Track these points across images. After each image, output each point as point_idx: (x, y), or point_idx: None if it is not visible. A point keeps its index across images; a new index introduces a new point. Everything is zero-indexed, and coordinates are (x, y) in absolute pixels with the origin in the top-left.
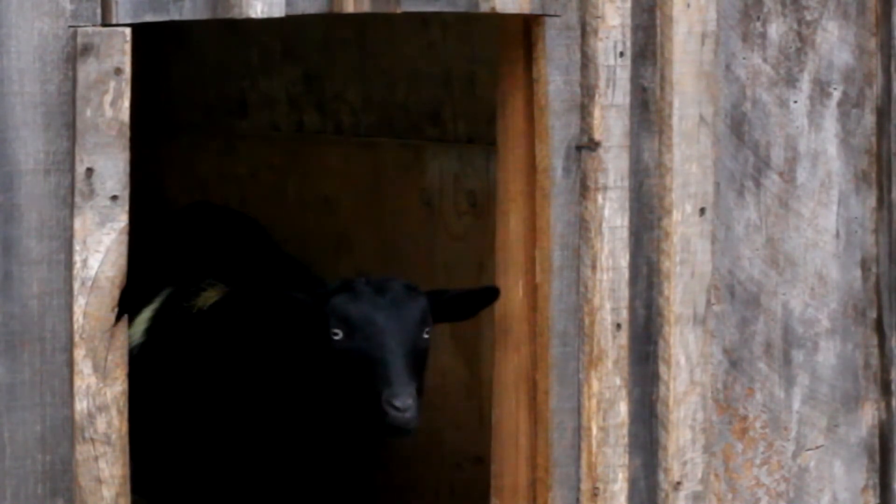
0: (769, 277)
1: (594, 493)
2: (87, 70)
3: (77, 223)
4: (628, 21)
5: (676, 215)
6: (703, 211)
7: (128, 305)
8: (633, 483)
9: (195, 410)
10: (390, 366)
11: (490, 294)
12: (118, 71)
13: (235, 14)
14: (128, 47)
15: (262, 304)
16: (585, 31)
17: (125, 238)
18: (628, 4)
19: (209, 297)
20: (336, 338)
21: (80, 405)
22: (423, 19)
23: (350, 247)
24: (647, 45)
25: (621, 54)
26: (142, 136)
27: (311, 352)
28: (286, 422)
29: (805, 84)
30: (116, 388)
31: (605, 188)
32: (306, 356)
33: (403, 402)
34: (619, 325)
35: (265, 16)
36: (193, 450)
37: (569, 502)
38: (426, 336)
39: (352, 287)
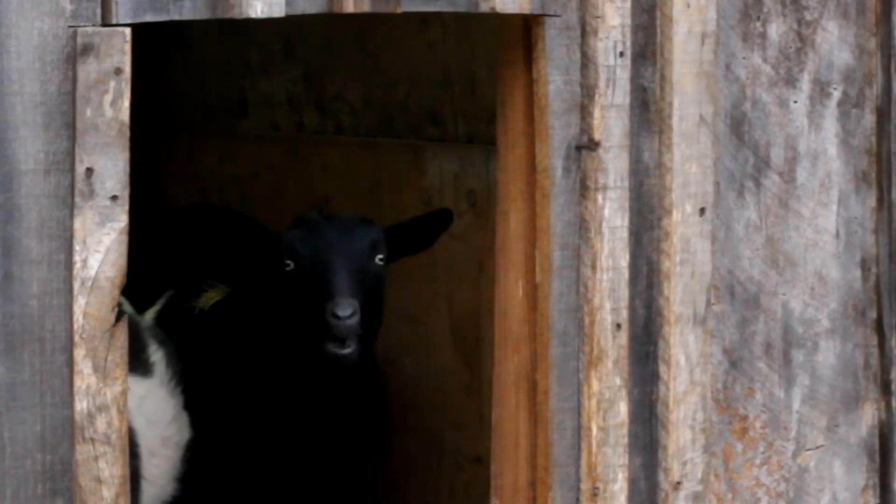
0: (769, 277)
1: (594, 493)
2: (87, 70)
3: (77, 223)
4: (628, 21)
5: (676, 215)
6: (703, 211)
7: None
8: (633, 483)
9: (202, 409)
10: (332, 282)
11: (443, 216)
12: (118, 71)
13: (235, 14)
14: (128, 47)
15: (224, 223)
16: (585, 31)
17: (125, 238)
18: (628, 4)
19: (210, 297)
20: (288, 269)
21: (80, 405)
22: (423, 19)
23: None
24: (647, 45)
25: (621, 54)
26: (142, 136)
27: (272, 290)
28: (291, 411)
29: (805, 84)
30: (116, 388)
31: (605, 188)
32: (272, 301)
33: (343, 310)
34: (619, 325)
35: (265, 16)
36: (200, 447)
37: (569, 502)
38: (379, 263)
39: (304, 221)
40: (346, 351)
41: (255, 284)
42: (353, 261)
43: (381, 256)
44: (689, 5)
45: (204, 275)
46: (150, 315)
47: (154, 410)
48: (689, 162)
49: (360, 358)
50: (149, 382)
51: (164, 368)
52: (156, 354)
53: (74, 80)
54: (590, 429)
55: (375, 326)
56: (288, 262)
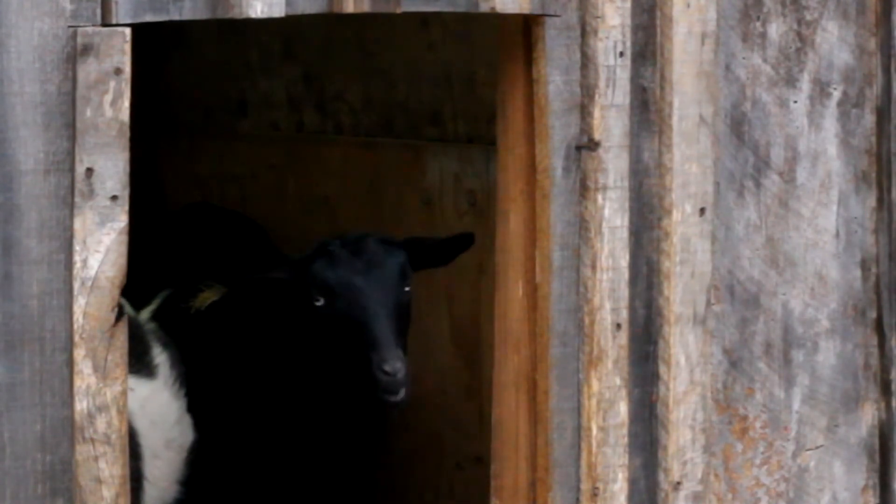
0: (769, 277)
1: (594, 493)
2: (87, 70)
3: (77, 223)
4: (628, 21)
5: (676, 215)
6: (703, 211)
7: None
8: (633, 483)
9: (199, 409)
10: (375, 329)
11: (465, 240)
12: (118, 71)
13: (235, 14)
14: (128, 47)
15: (244, 290)
16: (585, 31)
17: (125, 238)
18: (628, 4)
19: (207, 297)
20: (318, 304)
21: (80, 405)
22: (423, 19)
23: None
24: (647, 45)
25: (621, 54)
26: (141, 136)
27: (299, 324)
28: (289, 411)
29: (805, 84)
30: (116, 388)
31: (605, 188)
32: (296, 331)
33: (392, 366)
34: (618, 325)
35: (265, 16)
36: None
37: (569, 502)
38: (407, 290)
39: (328, 251)
40: (401, 398)
41: (255, 288)
42: (389, 300)
43: (408, 285)
44: (689, 5)
45: (203, 275)
46: (145, 314)
47: (157, 412)
48: (689, 162)
49: (408, 390)
50: (152, 384)
51: (168, 371)
52: (160, 357)
53: (74, 80)
54: (590, 429)
55: (405, 346)
56: (318, 297)
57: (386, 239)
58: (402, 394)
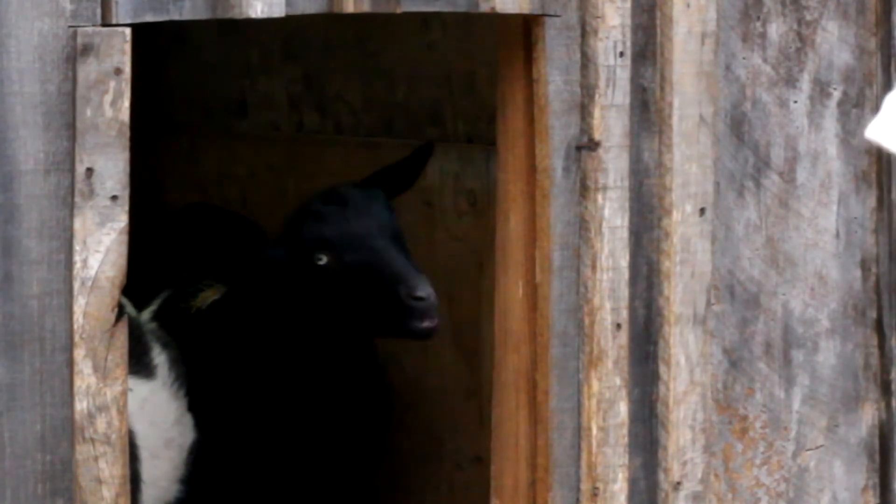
0: (769, 277)
1: (594, 493)
2: (87, 70)
3: (77, 223)
4: (628, 21)
5: (676, 215)
6: (703, 211)
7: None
8: (633, 483)
9: (200, 409)
10: (393, 264)
11: (425, 151)
12: (118, 71)
13: (235, 14)
14: (128, 47)
15: (245, 285)
16: (585, 31)
17: (125, 238)
18: (628, 4)
19: (207, 296)
20: (321, 263)
21: (80, 405)
22: (423, 19)
23: None
24: (647, 45)
25: (621, 54)
26: (141, 136)
27: (305, 295)
28: (290, 411)
29: (805, 84)
30: (116, 388)
31: (605, 188)
32: (303, 303)
33: (424, 290)
34: (619, 325)
35: (265, 16)
36: (202, 449)
37: (569, 502)
38: (396, 220)
39: (313, 211)
40: (437, 323)
41: (255, 284)
42: (389, 235)
43: (394, 215)
44: (689, 5)
45: (202, 275)
46: (146, 314)
47: (157, 413)
48: (689, 162)
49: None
50: (152, 385)
51: (168, 371)
52: (159, 357)
53: (74, 80)
54: (590, 429)
55: None
56: (320, 257)
57: (356, 183)
58: (437, 318)
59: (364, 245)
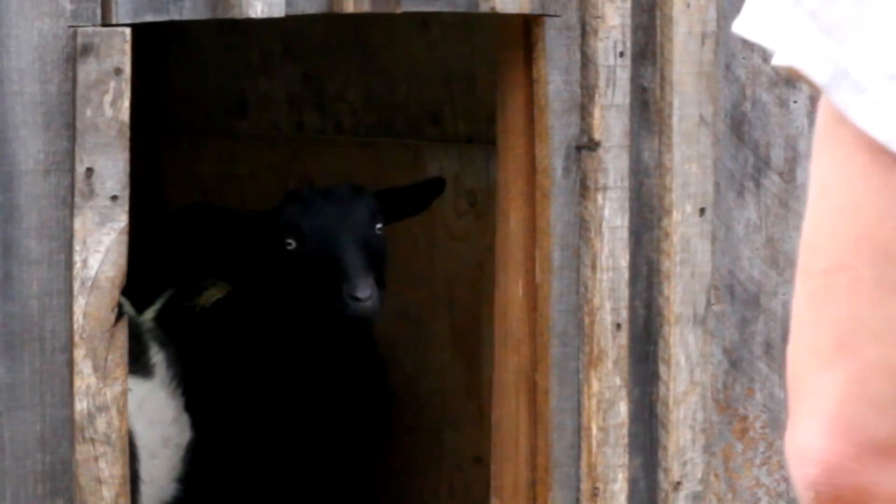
0: (769, 277)
1: (594, 493)
2: (87, 70)
3: (77, 223)
4: (628, 21)
5: (676, 215)
6: (703, 211)
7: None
8: (633, 483)
9: (202, 408)
10: (344, 261)
11: (436, 185)
12: (118, 71)
13: (235, 14)
14: (128, 47)
15: (213, 222)
16: (585, 31)
17: (125, 238)
18: (628, 4)
19: (211, 295)
20: (290, 248)
21: (80, 405)
22: (423, 19)
23: None
24: (647, 45)
25: (621, 54)
26: (142, 136)
27: (273, 273)
28: (290, 410)
29: (805, 84)
30: (116, 388)
31: (605, 188)
32: (271, 281)
33: (363, 291)
34: (619, 325)
35: (265, 16)
36: (201, 448)
37: (569, 502)
38: (379, 231)
39: (299, 196)
40: (372, 315)
41: (255, 279)
42: (358, 237)
43: (379, 225)
44: (689, 5)
45: (203, 274)
46: (149, 315)
47: (155, 412)
48: (689, 162)
49: (379, 314)
50: (149, 384)
51: (165, 370)
52: (157, 356)
53: (74, 80)
54: (590, 429)
55: (383, 284)
56: (289, 241)
57: (357, 186)
58: (376, 319)
59: (326, 237)
